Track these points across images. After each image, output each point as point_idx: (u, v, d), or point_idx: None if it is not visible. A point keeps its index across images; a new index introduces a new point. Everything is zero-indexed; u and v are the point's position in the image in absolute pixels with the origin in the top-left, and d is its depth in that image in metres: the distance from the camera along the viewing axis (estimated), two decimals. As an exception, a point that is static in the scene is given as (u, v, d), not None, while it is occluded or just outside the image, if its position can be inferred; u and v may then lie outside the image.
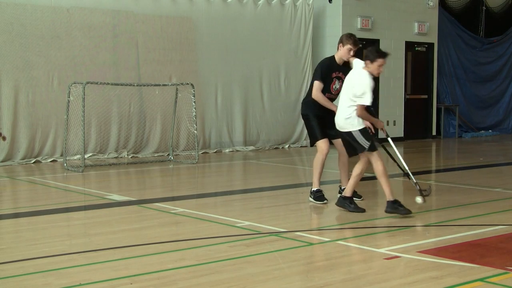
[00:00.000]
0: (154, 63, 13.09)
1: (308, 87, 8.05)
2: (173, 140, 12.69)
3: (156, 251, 5.47)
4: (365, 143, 6.87)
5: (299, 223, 6.74)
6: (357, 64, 7.17)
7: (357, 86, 6.80)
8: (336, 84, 7.64)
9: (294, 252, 5.47)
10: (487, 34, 19.37)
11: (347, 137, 7.01)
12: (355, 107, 6.81)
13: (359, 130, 6.88)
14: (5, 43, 11.44)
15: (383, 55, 6.89)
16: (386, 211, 6.87)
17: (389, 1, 16.27)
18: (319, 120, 7.64)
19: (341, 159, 7.83)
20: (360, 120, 6.86)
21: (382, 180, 6.86)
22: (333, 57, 7.74)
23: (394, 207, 6.83)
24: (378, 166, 6.89)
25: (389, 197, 6.86)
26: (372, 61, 6.82)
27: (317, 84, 7.56)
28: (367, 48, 7.11)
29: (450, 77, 18.36)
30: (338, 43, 7.69)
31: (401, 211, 6.82)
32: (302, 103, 8.00)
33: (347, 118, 6.91)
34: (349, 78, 7.06)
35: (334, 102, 7.68)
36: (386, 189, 6.85)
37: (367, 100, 6.74)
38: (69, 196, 8.57)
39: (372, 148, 6.89)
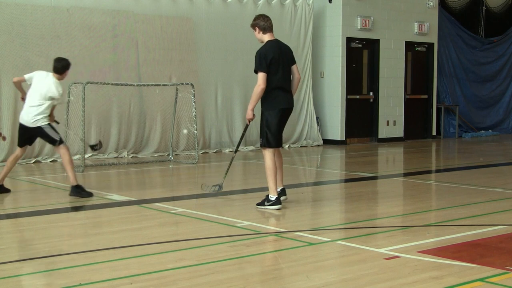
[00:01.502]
0: (154, 63, 13.09)
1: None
2: (173, 140, 12.70)
3: (156, 251, 5.47)
4: None
5: (299, 223, 6.74)
6: None
7: None
8: None
9: (294, 252, 5.47)
10: (487, 34, 19.37)
11: None
12: None
13: None
14: (5, 43, 11.45)
15: None
16: (70, 195, 8.06)
17: (389, 1, 16.27)
18: None
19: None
20: None
21: None
22: None
23: (77, 191, 8.07)
24: None
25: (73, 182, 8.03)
26: None
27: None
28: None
29: (450, 77, 18.37)
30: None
31: (84, 194, 8.07)
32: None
33: None
34: None
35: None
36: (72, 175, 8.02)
37: None
38: (69, 196, 8.57)
39: None
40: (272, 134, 7.33)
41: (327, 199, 8.45)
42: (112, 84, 11.88)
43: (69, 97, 11.07)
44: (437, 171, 11.89)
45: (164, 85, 12.49)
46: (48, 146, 11.90)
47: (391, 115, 16.44)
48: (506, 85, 19.89)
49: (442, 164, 13.57)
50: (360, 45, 15.97)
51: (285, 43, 15.91)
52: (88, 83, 10.97)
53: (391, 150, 14.73)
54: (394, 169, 11.83)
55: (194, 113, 12.09)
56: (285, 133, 14.77)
